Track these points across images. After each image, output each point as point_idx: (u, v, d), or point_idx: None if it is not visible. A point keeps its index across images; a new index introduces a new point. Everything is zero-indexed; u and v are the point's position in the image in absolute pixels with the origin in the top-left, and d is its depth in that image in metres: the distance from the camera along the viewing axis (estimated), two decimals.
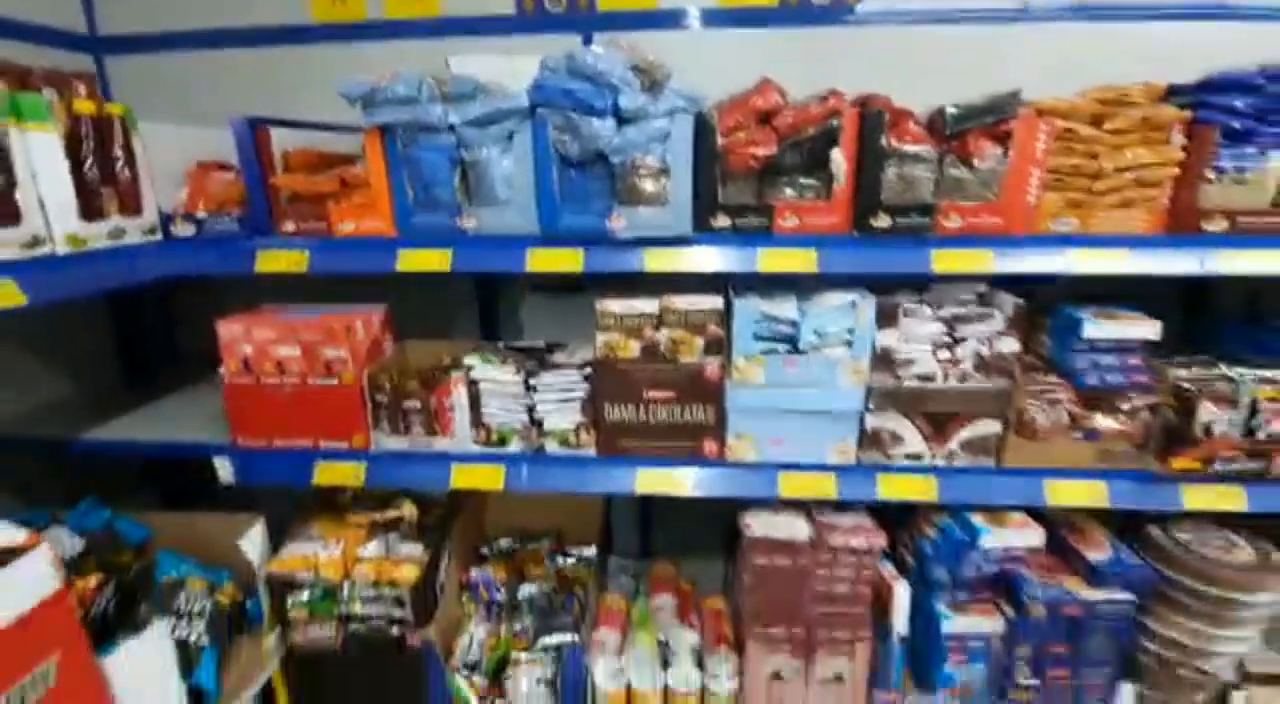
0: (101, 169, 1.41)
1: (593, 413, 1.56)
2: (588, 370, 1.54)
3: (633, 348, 1.53)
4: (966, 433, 1.51)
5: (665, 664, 1.74)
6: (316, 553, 1.68)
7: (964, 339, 1.51)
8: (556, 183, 1.45)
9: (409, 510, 1.80)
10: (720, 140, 1.43)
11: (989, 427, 1.50)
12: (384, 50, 1.98)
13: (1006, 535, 1.59)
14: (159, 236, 1.56)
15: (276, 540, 1.76)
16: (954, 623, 1.59)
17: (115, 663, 1.25)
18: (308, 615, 1.66)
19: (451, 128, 1.44)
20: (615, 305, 1.53)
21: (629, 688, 1.70)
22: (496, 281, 2.13)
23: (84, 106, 1.38)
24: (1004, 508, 1.63)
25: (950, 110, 1.44)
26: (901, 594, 1.58)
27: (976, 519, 1.60)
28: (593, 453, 1.59)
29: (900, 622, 1.60)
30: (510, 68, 1.56)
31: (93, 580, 1.36)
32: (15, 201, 1.24)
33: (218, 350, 1.60)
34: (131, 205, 1.49)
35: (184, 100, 1.99)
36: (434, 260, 1.49)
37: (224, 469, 1.65)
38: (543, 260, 1.47)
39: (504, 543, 2.11)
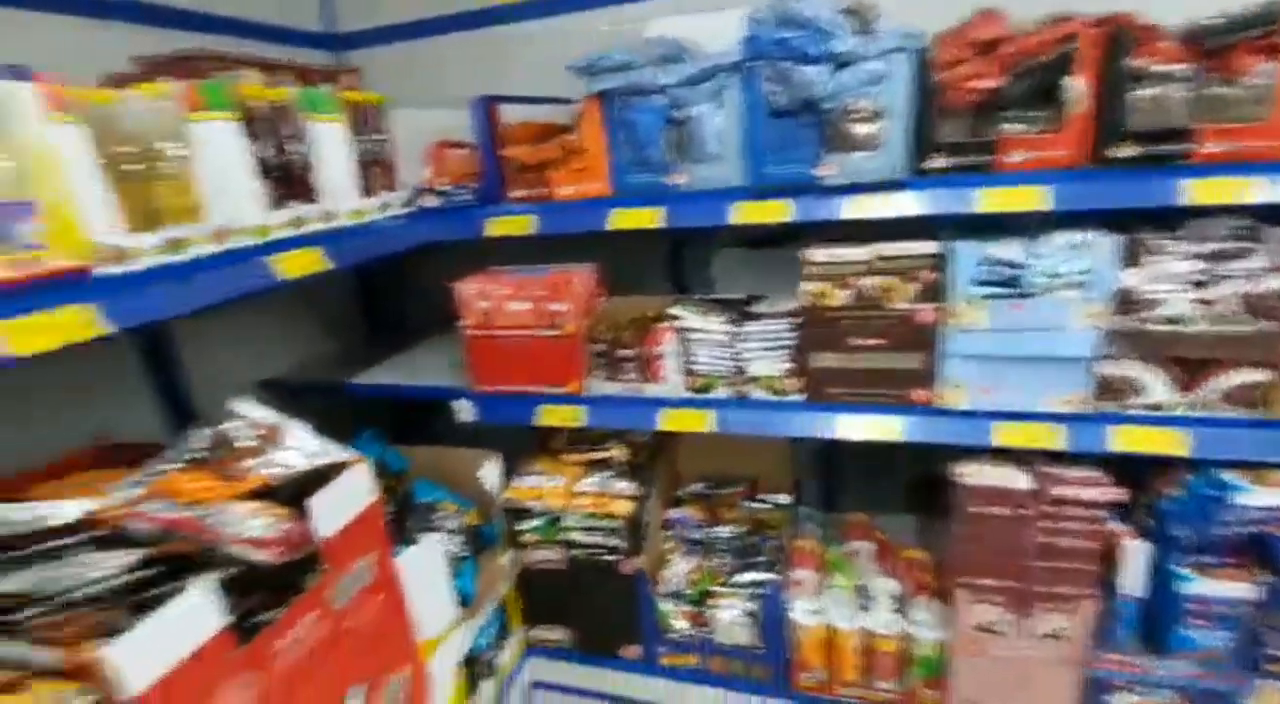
0: (369, 151, 1.65)
1: (799, 360, 1.60)
2: (794, 319, 1.58)
3: (839, 296, 1.54)
4: (1224, 381, 1.37)
5: (863, 608, 1.78)
6: (542, 485, 1.89)
7: (1223, 278, 1.36)
8: (764, 134, 1.49)
9: (618, 452, 1.97)
10: (938, 77, 1.38)
11: (1253, 374, 1.35)
12: (582, 20, 2.10)
13: (1268, 495, 1.44)
14: (411, 209, 1.80)
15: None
16: (1198, 585, 1.47)
17: (403, 564, 1.51)
18: (538, 539, 1.89)
19: (663, 89, 1.51)
20: (821, 254, 1.55)
21: (828, 626, 1.76)
22: (690, 239, 2.22)
23: (353, 97, 1.61)
24: (1270, 465, 1.47)
25: (1209, 22, 1.29)
26: (1136, 551, 1.49)
27: (1232, 476, 1.46)
28: (799, 399, 1.64)
29: (1132, 581, 1.51)
30: (703, 26, 1.61)
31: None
32: (311, 183, 1.50)
33: (442, 311, 1.82)
34: (391, 182, 1.73)
35: (409, 86, 2.25)
36: (645, 218, 1.59)
37: (464, 411, 1.89)
38: (750, 212, 1.52)
39: (697, 487, 2.23)
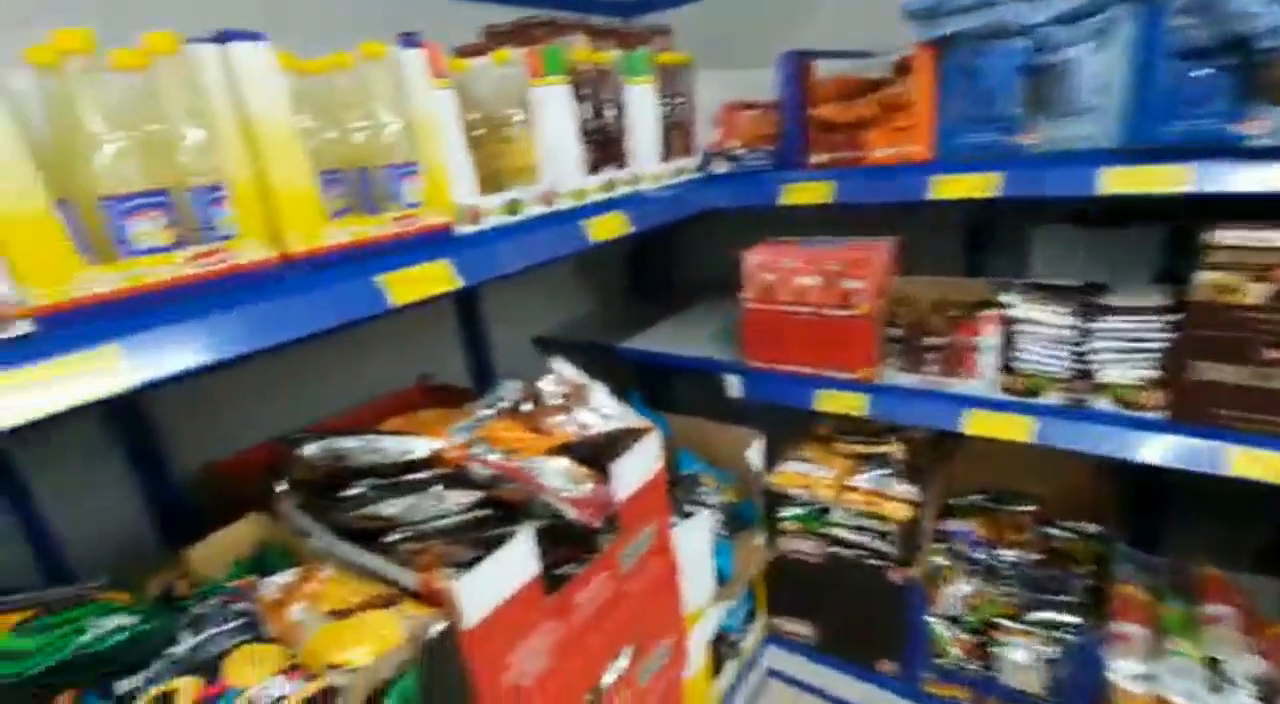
0: (671, 115, 1.62)
1: (1172, 368, 1.27)
2: (1173, 316, 1.25)
3: (1254, 292, 1.18)
4: None
5: (1215, 689, 1.41)
6: (809, 473, 1.77)
7: None
8: (1164, 81, 1.17)
9: (896, 449, 1.78)
10: None
11: None
12: None
13: None
14: (702, 174, 1.75)
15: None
16: None
17: (678, 535, 1.49)
18: (797, 528, 1.78)
19: (1027, 30, 1.25)
20: (1231, 235, 1.20)
21: (1160, 700, 1.43)
22: (998, 213, 1.91)
23: (664, 59, 1.58)
24: None
25: None
26: None
27: None
28: (1162, 417, 1.31)
29: None
30: None
31: None
32: (624, 146, 1.49)
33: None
34: (688, 146, 1.68)
35: (699, 47, 2.19)
36: (976, 185, 1.35)
37: (733, 386, 1.83)
38: (1128, 180, 1.21)
39: (975, 499, 1.96)
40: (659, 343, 2.11)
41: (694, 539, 1.54)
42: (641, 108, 1.50)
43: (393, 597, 0.89)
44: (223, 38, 0.82)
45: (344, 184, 1.02)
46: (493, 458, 1.10)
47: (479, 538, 1.02)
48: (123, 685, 0.72)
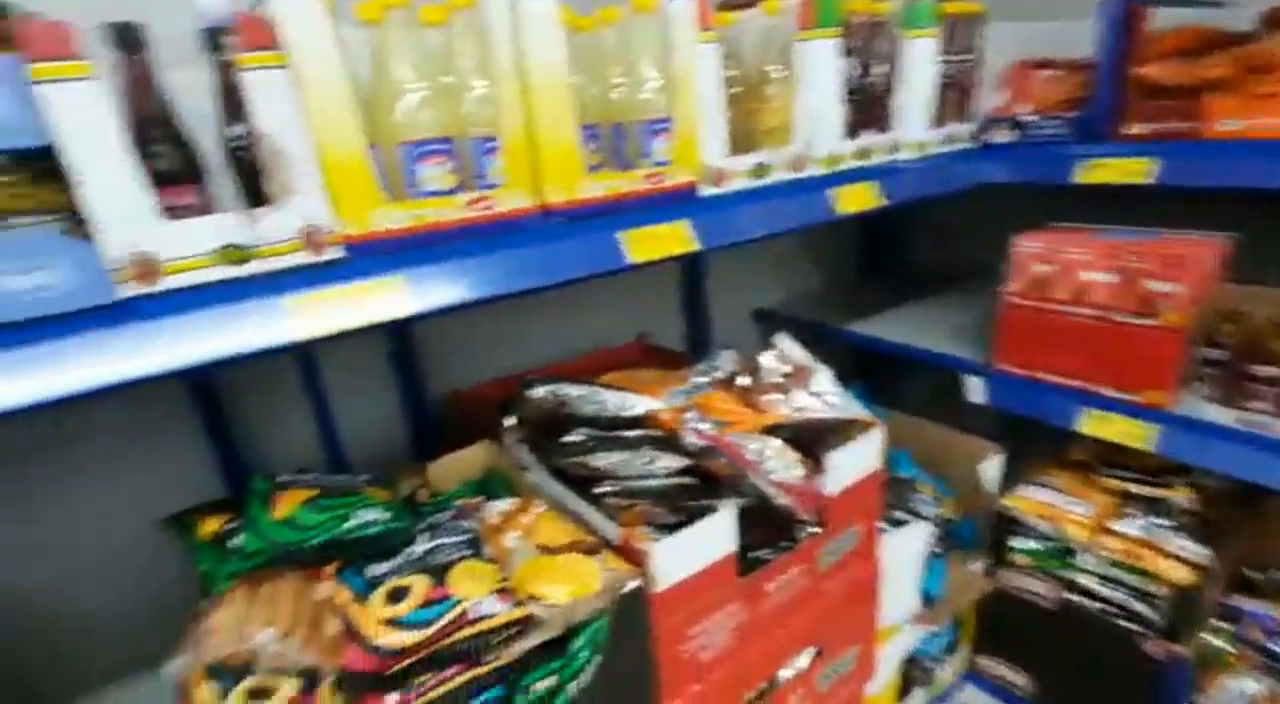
0: (950, 73, 1.42)
1: None
2: None
3: None
4: None
5: None
6: (1057, 505, 1.51)
7: None
8: None
9: (1184, 495, 1.44)
10: None
11: None
12: None
13: None
14: (976, 143, 1.52)
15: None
16: None
17: (886, 543, 1.37)
18: (1029, 563, 1.54)
19: None
20: None
21: None
22: None
23: (953, 8, 1.38)
24: None
25: None
26: None
27: None
28: None
29: None
30: None
31: None
32: (888, 109, 1.34)
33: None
34: (964, 110, 1.47)
35: None
36: None
37: (975, 389, 1.61)
38: None
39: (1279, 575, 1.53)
40: (890, 330, 1.93)
41: (903, 550, 1.40)
42: (917, 65, 1.33)
43: (595, 545, 0.92)
44: None
45: (600, 138, 1.04)
46: (705, 428, 1.08)
47: (681, 505, 1.01)
48: (372, 570, 0.84)
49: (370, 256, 0.83)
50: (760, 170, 1.17)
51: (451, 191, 0.87)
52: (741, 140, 1.18)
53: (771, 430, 1.15)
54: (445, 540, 0.88)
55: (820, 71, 1.17)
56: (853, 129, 1.29)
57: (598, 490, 1.00)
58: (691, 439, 1.03)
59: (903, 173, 1.37)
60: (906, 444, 1.73)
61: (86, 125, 0.65)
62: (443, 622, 0.74)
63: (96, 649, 1.35)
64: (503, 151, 0.90)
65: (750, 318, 2.24)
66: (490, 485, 1.20)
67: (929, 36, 1.32)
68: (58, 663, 1.33)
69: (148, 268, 0.70)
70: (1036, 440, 1.73)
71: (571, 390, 1.07)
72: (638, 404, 1.08)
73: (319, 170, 0.77)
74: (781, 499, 1.03)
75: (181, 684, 0.76)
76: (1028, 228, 1.52)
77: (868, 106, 1.30)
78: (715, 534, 1.00)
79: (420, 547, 0.87)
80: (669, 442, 1.04)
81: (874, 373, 2.33)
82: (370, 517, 0.87)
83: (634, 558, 0.96)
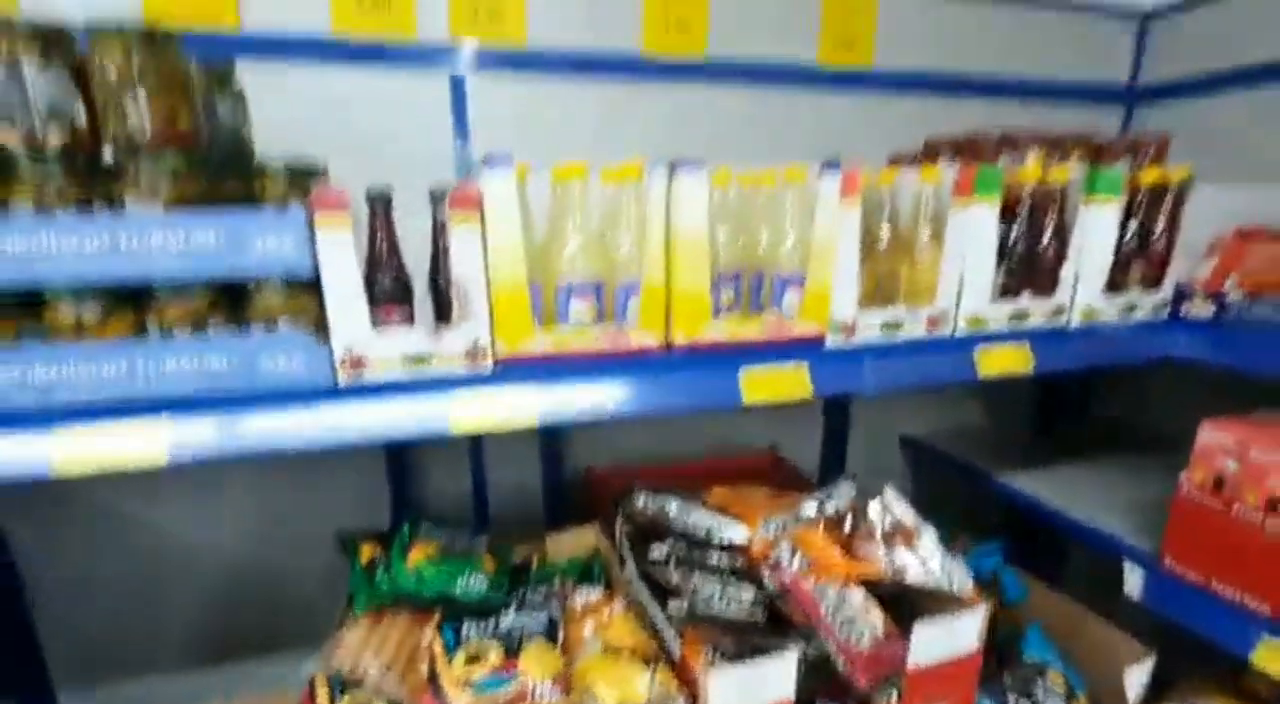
0: (1141, 239, 1.33)
1: None
2: None
3: None
4: None
5: None
6: None
7: None
8: None
9: None
10: None
11: None
12: None
13: None
14: (1165, 315, 1.40)
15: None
16: None
17: None
18: None
19: None
20: None
21: None
22: None
23: (1150, 176, 1.31)
24: None
25: None
26: None
27: None
28: None
29: None
30: None
31: None
32: (1059, 274, 1.29)
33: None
34: (1152, 277, 1.36)
35: (1227, 154, 1.73)
36: None
37: (1133, 583, 1.43)
38: None
39: None
40: (1049, 488, 1.76)
41: None
42: (1096, 232, 1.28)
43: (656, 654, 1.00)
44: (672, 167, 1.02)
45: (735, 284, 1.15)
46: (792, 567, 1.12)
47: (748, 638, 1.05)
48: (466, 628, 0.99)
49: (515, 371, 1.01)
50: (892, 326, 1.20)
51: (592, 324, 1.03)
52: (883, 293, 1.22)
53: (862, 582, 1.15)
54: (528, 619, 1.01)
55: (971, 237, 1.18)
56: (1011, 289, 1.27)
57: (673, 602, 1.07)
58: (771, 580, 1.07)
59: (1065, 339, 1.31)
60: (1043, 621, 1.58)
61: (339, 259, 0.91)
62: (506, 695, 0.86)
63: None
64: (641, 295, 1.05)
65: (897, 442, 2.17)
66: (591, 569, 1.32)
67: (1110, 203, 1.26)
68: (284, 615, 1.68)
69: (359, 364, 0.94)
70: (1199, 649, 1.47)
71: (672, 504, 1.17)
72: (731, 532, 1.15)
73: (489, 302, 0.97)
74: (844, 668, 1.03)
75: (311, 680, 0.97)
76: (1223, 406, 1.34)
77: (1032, 269, 1.27)
78: (775, 676, 1.02)
79: (507, 619, 1.01)
80: (749, 575, 1.09)
81: (1022, 532, 2.13)
82: (474, 583, 1.04)
83: (688, 678, 1.02)
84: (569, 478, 1.84)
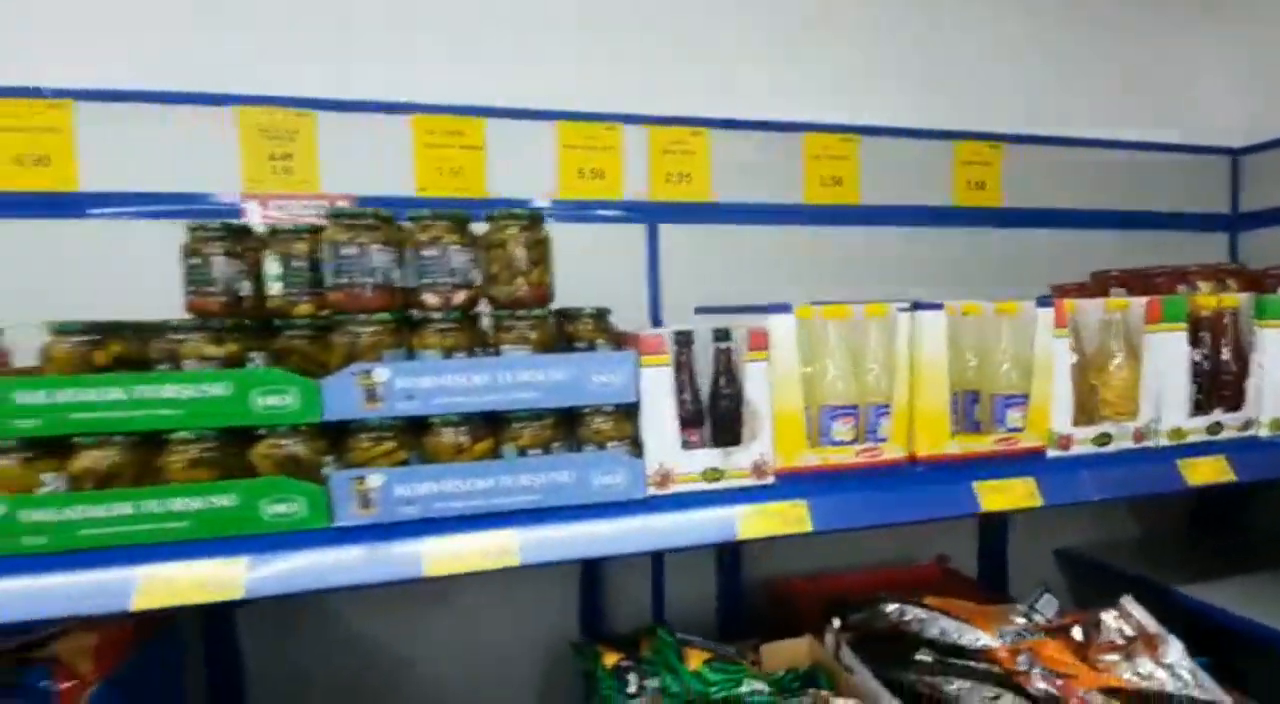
0: None
1: None
2: None
3: None
4: None
5: None
6: None
7: None
8: None
9: None
10: None
11: None
12: None
13: None
14: None
15: None
16: None
17: None
18: None
19: None
20: None
21: None
22: None
23: None
24: None
25: None
26: None
27: None
28: None
29: None
30: None
31: None
32: (1244, 389, 1.40)
33: None
34: None
35: None
36: None
37: None
38: None
39: None
40: (1231, 600, 1.75)
41: None
42: (1269, 350, 1.39)
43: None
44: (915, 306, 1.19)
45: (955, 403, 1.29)
46: (1042, 678, 1.15)
47: None
48: None
49: (790, 483, 1.13)
50: (1103, 439, 1.30)
51: (850, 443, 1.17)
52: (1083, 409, 1.34)
53: (1113, 694, 1.17)
54: None
55: (1165, 357, 1.31)
56: (1202, 406, 1.37)
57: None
58: (1040, 686, 1.11)
59: (1258, 449, 1.39)
60: None
61: (656, 390, 1.07)
62: None
63: None
64: (890, 415, 1.18)
65: (1051, 556, 2.18)
66: (816, 677, 1.36)
67: (1276, 327, 1.39)
68: None
69: (666, 478, 1.08)
70: None
71: (919, 611, 1.23)
72: (978, 637, 1.20)
73: (772, 424, 1.12)
74: None
75: None
76: None
77: (1217, 387, 1.38)
78: None
79: None
80: (1010, 681, 1.13)
81: (1211, 647, 2.06)
82: (758, 686, 1.10)
83: None
84: (741, 589, 1.89)
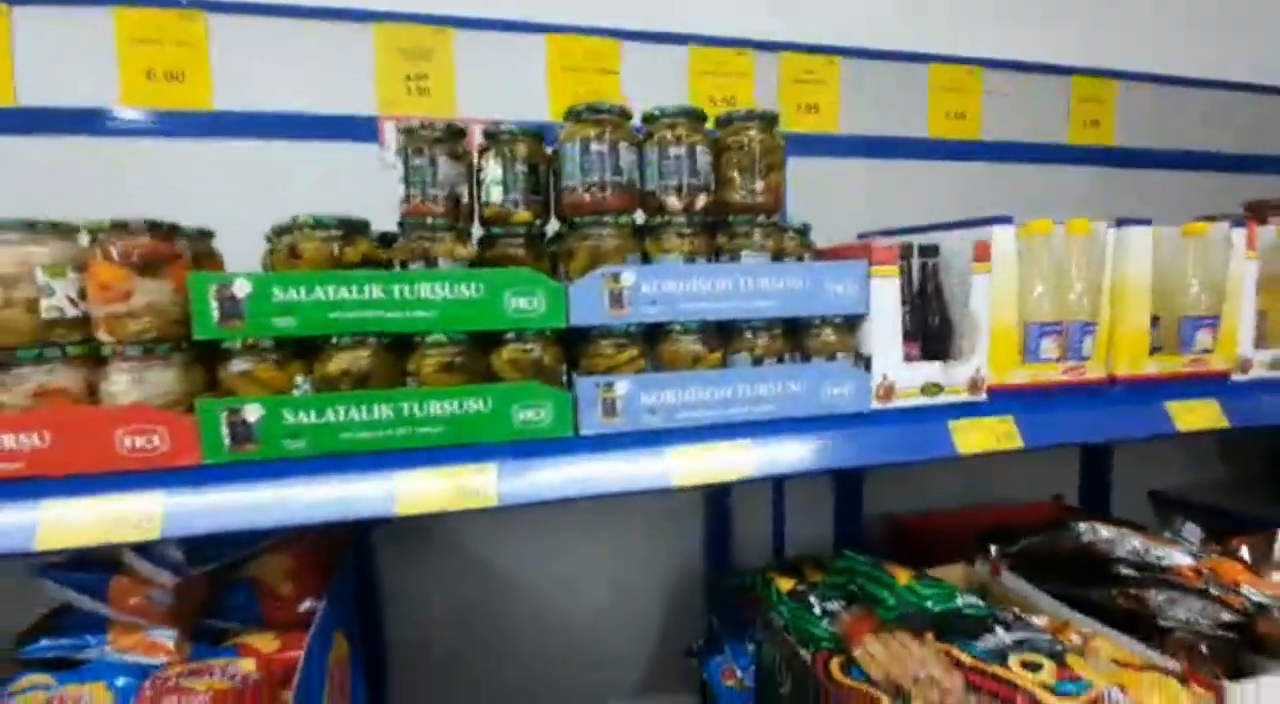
0: None
1: None
2: None
3: None
4: None
5: None
6: None
7: None
8: None
9: None
10: None
11: None
12: None
13: None
14: None
15: None
16: None
17: None
18: None
19: None
20: None
21: None
22: None
23: None
24: None
25: None
26: None
27: None
28: None
29: None
30: None
31: None
32: None
33: None
34: None
35: None
36: None
37: None
38: None
39: None
40: None
41: None
42: None
43: (1168, 671, 1.04)
44: (1119, 223, 1.17)
45: (1154, 327, 1.28)
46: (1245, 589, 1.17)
47: (1223, 658, 1.10)
48: (984, 643, 1.06)
49: (1002, 400, 1.13)
50: (1279, 363, 1.31)
51: (1056, 360, 1.16)
52: (1264, 336, 1.34)
53: None
54: (1029, 635, 1.08)
55: None
56: None
57: (1159, 624, 1.13)
58: (1251, 594, 1.13)
59: None
60: None
61: (887, 303, 1.05)
62: (1088, 697, 0.92)
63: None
64: (1094, 334, 1.18)
65: (1147, 498, 2.21)
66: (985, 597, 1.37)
67: None
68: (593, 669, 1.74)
69: (890, 392, 1.06)
70: None
71: (1105, 532, 1.25)
72: (1169, 554, 1.22)
73: (989, 338, 1.11)
74: None
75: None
76: None
77: None
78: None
79: (1010, 635, 1.08)
80: (1211, 594, 1.15)
81: None
82: (971, 600, 1.11)
83: (1204, 685, 1.06)
84: (861, 528, 1.91)
